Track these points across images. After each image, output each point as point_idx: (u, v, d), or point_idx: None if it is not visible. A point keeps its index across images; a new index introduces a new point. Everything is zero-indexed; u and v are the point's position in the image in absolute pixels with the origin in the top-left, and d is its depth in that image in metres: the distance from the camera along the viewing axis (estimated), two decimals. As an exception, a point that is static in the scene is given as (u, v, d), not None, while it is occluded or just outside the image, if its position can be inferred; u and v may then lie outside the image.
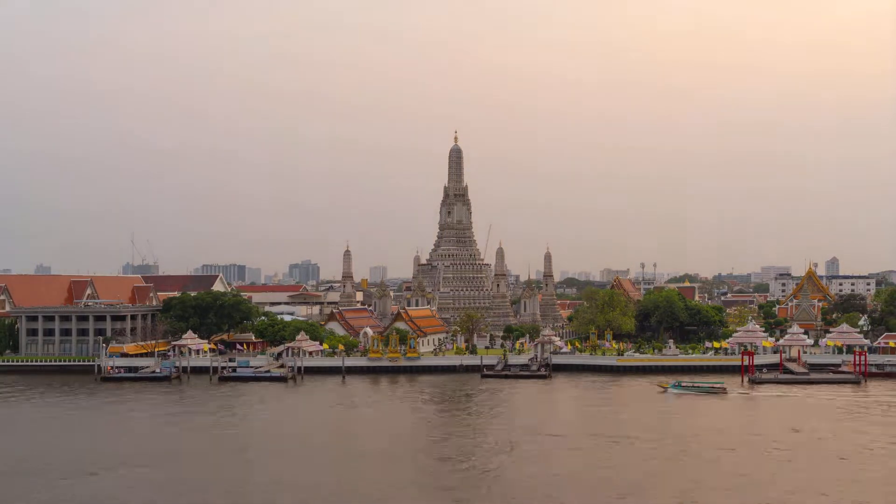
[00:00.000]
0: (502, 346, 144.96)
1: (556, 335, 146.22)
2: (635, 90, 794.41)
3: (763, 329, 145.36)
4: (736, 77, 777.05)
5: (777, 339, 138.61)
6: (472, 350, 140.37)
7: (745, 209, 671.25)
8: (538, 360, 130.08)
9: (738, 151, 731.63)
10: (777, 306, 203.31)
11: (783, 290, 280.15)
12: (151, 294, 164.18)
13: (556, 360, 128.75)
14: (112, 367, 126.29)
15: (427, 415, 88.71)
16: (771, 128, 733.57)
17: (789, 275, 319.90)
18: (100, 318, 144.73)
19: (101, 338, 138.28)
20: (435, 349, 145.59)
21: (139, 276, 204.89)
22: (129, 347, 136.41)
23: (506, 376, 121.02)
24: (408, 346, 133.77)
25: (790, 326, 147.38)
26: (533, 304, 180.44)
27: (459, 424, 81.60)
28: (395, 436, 75.41)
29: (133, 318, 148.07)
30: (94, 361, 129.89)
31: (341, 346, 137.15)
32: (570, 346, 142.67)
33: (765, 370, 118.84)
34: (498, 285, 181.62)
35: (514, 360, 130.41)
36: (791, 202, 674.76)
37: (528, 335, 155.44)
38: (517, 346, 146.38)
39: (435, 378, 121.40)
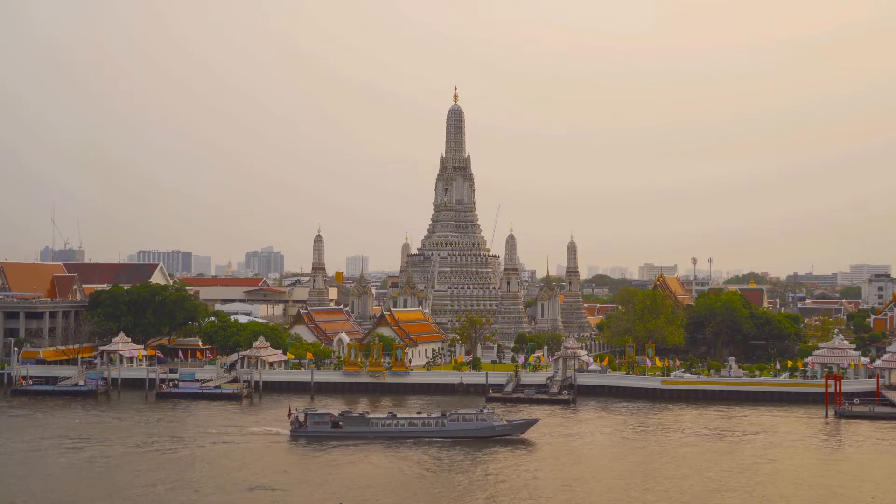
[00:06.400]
0: (513, 360, 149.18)
1: (581, 348, 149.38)
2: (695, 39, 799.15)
3: (854, 346, 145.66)
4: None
5: (873, 360, 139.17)
6: (475, 364, 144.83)
7: (826, 192, 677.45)
8: (559, 379, 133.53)
9: (819, 118, 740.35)
10: (872, 316, 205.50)
11: (880, 296, 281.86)
12: (76, 286, 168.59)
13: (582, 379, 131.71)
14: (25, 378, 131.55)
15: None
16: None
17: (888, 276, 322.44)
18: (11, 314, 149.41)
19: (12, 340, 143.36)
20: (427, 362, 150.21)
21: (60, 263, 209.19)
22: (46, 352, 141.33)
23: (517, 400, 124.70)
24: (394, 357, 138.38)
25: (890, 343, 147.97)
26: (553, 308, 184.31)
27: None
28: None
29: (52, 315, 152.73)
30: (3, 370, 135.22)
31: (310, 356, 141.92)
32: (599, 363, 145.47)
33: (857, 401, 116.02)
34: (508, 282, 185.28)
35: (527, 378, 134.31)
36: (885, 183, 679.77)
37: (546, 347, 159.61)
38: (532, 360, 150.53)
39: (428, 400, 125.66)
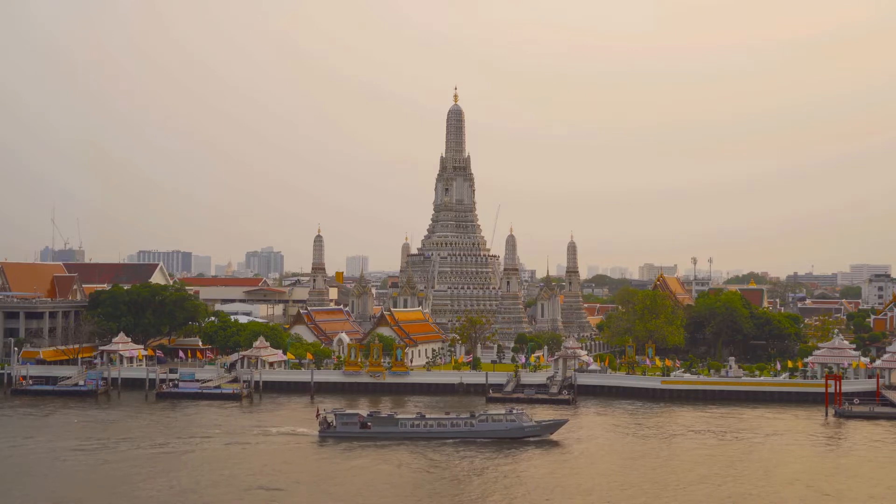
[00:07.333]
0: (513, 360, 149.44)
1: (582, 348, 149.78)
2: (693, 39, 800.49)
3: (854, 346, 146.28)
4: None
5: (873, 360, 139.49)
6: (475, 364, 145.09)
7: (826, 192, 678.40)
8: (559, 379, 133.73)
9: (819, 118, 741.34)
10: (872, 316, 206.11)
11: (880, 296, 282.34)
12: (75, 286, 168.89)
13: (582, 379, 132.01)
14: (25, 378, 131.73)
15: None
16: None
17: (888, 276, 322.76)
18: (11, 314, 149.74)
19: (12, 339, 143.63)
20: (427, 362, 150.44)
21: (60, 263, 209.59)
22: (46, 352, 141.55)
23: (517, 400, 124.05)
24: (393, 357, 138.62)
25: (890, 343, 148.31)
26: (553, 308, 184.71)
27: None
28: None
29: (52, 315, 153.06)
30: (3, 370, 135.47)
31: (310, 356, 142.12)
32: (599, 363, 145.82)
33: (856, 401, 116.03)
34: (508, 282, 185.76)
35: (527, 378, 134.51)
36: (885, 183, 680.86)
37: (546, 347, 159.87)
38: (532, 360, 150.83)
39: (429, 400, 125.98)
